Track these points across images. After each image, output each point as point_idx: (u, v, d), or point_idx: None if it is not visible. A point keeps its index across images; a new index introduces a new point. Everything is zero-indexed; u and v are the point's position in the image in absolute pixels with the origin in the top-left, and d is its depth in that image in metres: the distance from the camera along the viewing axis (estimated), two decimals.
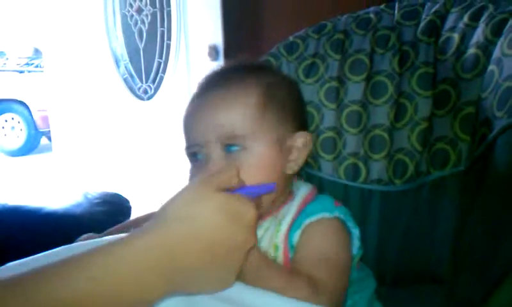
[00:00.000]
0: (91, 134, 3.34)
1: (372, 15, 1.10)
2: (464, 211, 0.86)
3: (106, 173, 3.22)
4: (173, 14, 2.78)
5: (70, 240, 0.92)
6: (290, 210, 0.83)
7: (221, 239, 0.59)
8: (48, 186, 4.61)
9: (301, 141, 0.85)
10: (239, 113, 0.80)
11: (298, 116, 0.89)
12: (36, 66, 7.62)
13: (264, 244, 0.81)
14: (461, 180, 0.89)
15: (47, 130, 6.19)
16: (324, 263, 0.76)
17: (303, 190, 0.87)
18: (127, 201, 1.90)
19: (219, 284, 0.63)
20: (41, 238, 0.96)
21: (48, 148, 6.65)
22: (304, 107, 0.95)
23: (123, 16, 3.00)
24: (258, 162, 0.80)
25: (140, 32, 2.93)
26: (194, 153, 0.83)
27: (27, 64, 7.88)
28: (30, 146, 7.27)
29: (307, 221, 0.80)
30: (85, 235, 1.00)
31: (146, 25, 2.90)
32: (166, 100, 2.89)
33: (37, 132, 7.14)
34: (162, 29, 2.84)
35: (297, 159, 0.85)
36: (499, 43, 0.87)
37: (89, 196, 1.81)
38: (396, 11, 1.08)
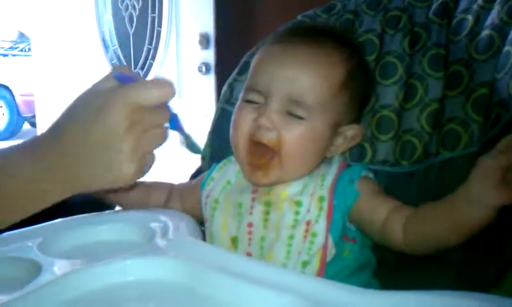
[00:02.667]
0: None
1: None
2: None
3: None
4: (164, 0, 2.74)
5: None
6: (332, 166, 0.85)
7: (97, 121, 0.63)
8: None
9: (352, 132, 0.87)
10: (319, 83, 0.81)
11: (362, 107, 0.92)
12: (21, 50, 7.53)
13: (305, 197, 0.81)
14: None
15: (30, 115, 6.12)
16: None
17: (338, 158, 0.89)
18: None
19: (113, 172, 0.65)
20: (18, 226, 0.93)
21: (30, 133, 6.58)
22: (369, 100, 0.97)
23: (114, 1, 2.95)
24: (309, 137, 0.81)
25: (130, 17, 2.89)
26: (252, 98, 0.84)
27: (11, 48, 7.78)
28: (12, 131, 7.18)
29: (357, 179, 0.83)
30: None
31: (137, 10, 2.86)
32: None
33: (19, 116, 7.05)
34: (153, 15, 2.80)
35: (340, 147, 0.87)
36: None
37: None
38: None
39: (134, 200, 0.96)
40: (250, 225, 0.83)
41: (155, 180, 1.03)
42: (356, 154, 1.00)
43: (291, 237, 0.80)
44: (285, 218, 0.81)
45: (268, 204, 0.83)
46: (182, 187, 1.02)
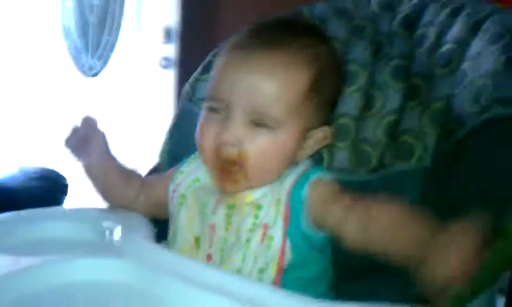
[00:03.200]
0: (31, 108, 3.22)
1: (349, 5, 1.10)
2: (426, 208, 0.85)
3: (43, 150, 3.11)
4: None
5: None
6: (295, 172, 0.82)
7: None
8: None
9: (322, 134, 0.85)
10: (283, 93, 0.78)
11: (332, 107, 0.89)
12: None
13: (267, 201, 0.80)
14: (424, 176, 0.89)
15: None
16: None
17: (305, 163, 0.86)
18: (64, 178, 1.84)
19: None
20: None
21: None
22: (340, 95, 0.94)
23: None
24: (276, 148, 0.79)
25: (91, 6, 2.83)
26: (214, 107, 0.81)
27: None
28: None
29: (313, 176, 0.80)
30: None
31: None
32: (111, 79, 2.81)
33: None
34: (114, 5, 2.75)
35: (309, 149, 0.85)
36: (475, 42, 0.88)
37: (26, 170, 1.74)
38: (373, 2, 1.08)
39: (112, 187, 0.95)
40: (213, 227, 0.82)
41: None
42: (313, 160, 0.99)
43: (248, 241, 0.78)
44: (245, 221, 0.79)
45: (231, 207, 0.81)
46: (149, 181, 0.99)
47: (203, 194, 0.85)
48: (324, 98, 0.83)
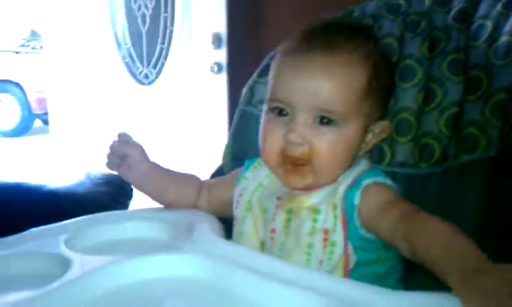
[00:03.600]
0: (90, 117, 3.31)
1: (402, 1, 1.11)
2: (492, 197, 0.86)
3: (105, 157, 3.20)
4: (176, 0, 2.75)
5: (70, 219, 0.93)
6: (349, 176, 0.83)
7: None
8: (46, 167, 4.57)
9: (380, 128, 0.87)
10: (344, 90, 0.81)
11: (387, 103, 0.91)
12: (33, 48, 7.56)
13: (323, 205, 0.81)
14: (490, 166, 0.89)
15: (41, 112, 6.14)
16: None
17: (364, 163, 0.88)
18: (129, 183, 1.88)
19: None
20: (41, 216, 0.96)
21: (41, 131, 6.61)
22: (393, 91, 0.96)
23: (127, 0, 2.97)
24: (343, 144, 0.82)
25: (143, 16, 2.90)
26: (280, 108, 0.84)
27: (23, 45, 7.81)
28: (23, 128, 7.22)
29: (366, 181, 0.81)
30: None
31: (150, 9, 2.87)
32: (166, 86, 2.87)
33: (31, 113, 7.09)
34: (165, 14, 2.81)
35: (370, 143, 0.88)
36: None
37: (92, 176, 1.79)
38: None
39: (165, 190, 0.97)
40: (273, 231, 0.85)
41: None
42: (375, 156, 1.01)
43: (309, 245, 0.80)
44: (303, 225, 0.81)
45: (290, 212, 0.84)
46: (211, 183, 1.03)
47: (265, 199, 0.88)
48: (379, 94, 0.85)
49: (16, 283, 0.72)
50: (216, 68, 2.56)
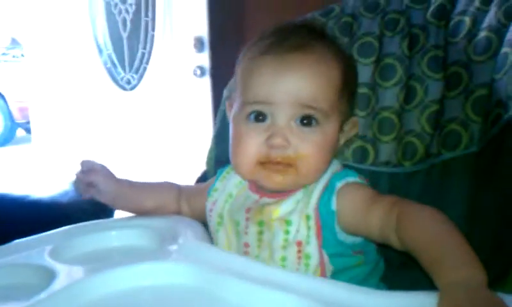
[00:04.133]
0: (73, 125, 3.29)
1: None
2: (476, 193, 0.86)
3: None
4: (158, 4, 2.74)
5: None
6: (320, 182, 0.81)
7: None
8: (29, 177, 4.53)
9: (349, 126, 0.86)
10: (325, 87, 0.79)
11: (354, 99, 0.89)
12: (14, 57, 7.50)
13: (295, 216, 0.79)
14: (473, 162, 0.90)
15: (24, 121, 6.09)
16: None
17: (334, 165, 0.85)
18: None
19: None
20: (26, 226, 0.95)
21: (24, 140, 6.55)
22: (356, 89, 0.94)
23: (107, 5, 2.95)
24: (325, 142, 0.80)
25: (124, 21, 2.89)
26: (258, 112, 0.80)
27: (4, 54, 7.73)
28: (6, 138, 7.15)
29: (338, 184, 0.79)
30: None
31: (131, 14, 2.86)
32: (149, 91, 2.85)
33: (13, 123, 7.03)
34: (146, 19, 2.80)
35: (341, 142, 0.86)
36: None
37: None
38: None
39: (142, 202, 0.97)
40: (246, 245, 0.83)
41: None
42: (358, 156, 1.02)
43: (284, 259, 0.79)
44: (276, 238, 0.79)
45: (261, 224, 0.81)
46: (190, 190, 1.02)
47: (235, 212, 0.85)
48: (350, 92, 0.85)
49: (0, 295, 0.71)
50: (198, 72, 2.55)
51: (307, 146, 0.78)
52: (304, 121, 0.78)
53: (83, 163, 0.95)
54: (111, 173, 0.96)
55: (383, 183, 0.98)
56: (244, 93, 0.82)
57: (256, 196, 0.85)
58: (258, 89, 0.79)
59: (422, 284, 0.61)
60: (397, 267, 0.92)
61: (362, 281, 0.82)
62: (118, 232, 0.90)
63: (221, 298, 0.67)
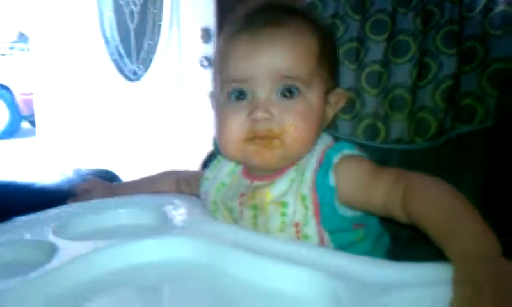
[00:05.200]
0: (78, 116, 3.29)
1: None
2: (491, 168, 0.85)
3: (95, 154, 3.18)
4: None
5: None
6: (312, 157, 0.79)
7: None
8: (33, 169, 4.55)
9: (336, 98, 0.84)
10: (302, 55, 0.77)
11: (337, 71, 0.88)
12: (20, 50, 7.53)
13: (290, 197, 0.77)
14: (489, 136, 0.88)
15: (29, 114, 6.12)
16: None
17: (325, 139, 0.83)
18: (119, 178, 1.87)
19: None
20: (33, 212, 0.94)
21: (29, 133, 6.57)
22: (338, 64, 0.93)
23: None
24: (309, 111, 0.78)
25: (131, 13, 2.89)
26: (239, 89, 0.79)
27: (11, 48, 7.78)
28: (12, 131, 7.18)
29: (334, 159, 0.77)
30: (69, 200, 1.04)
31: (138, 6, 2.86)
32: (155, 82, 2.85)
33: (19, 116, 7.05)
34: (154, 10, 2.79)
35: (329, 116, 0.84)
36: None
37: (81, 172, 1.78)
38: None
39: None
40: None
41: (162, 170, 1.05)
42: (369, 134, 1.00)
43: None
44: (271, 221, 0.78)
45: (255, 208, 0.80)
46: (190, 175, 1.02)
47: (228, 199, 0.84)
48: (331, 63, 0.83)
49: (3, 271, 0.70)
50: (205, 63, 2.54)
51: (291, 116, 0.76)
52: (286, 94, 0.77)
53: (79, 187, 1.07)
54: (105, 182, 1.05)
55: (395, 161, 0.96)
56: (222, 73, 0.81)
57: (248, 181, 0.84)
58: (235, 67, 0.78)
59: (431, 259, 0.59)
60: (405, 242, 0.91)
61: (368, 255, 0.81)
62: (121, 210, 0.89)
63: (227, 272, 0.66)
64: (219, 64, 0.82)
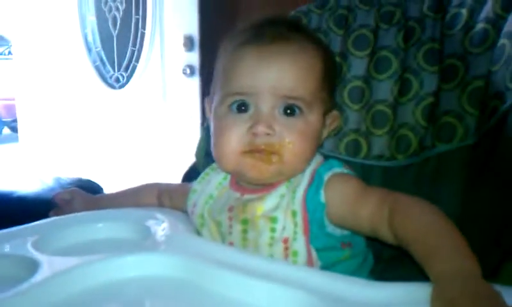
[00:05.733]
0: (61, 123, 3.26)
1: None
2: (471, 187, 0.85)
3: (76, 162, 3.16)
4: (148, 2, 2.72)
5: None
6: (305, 175, 0.80)
7: None
8: (16, 175, 4.50)
9: (331, 119, 0.86)
10: (306, 76, 0.78)
11: (335, 92, 0.90)
12: (1, 54, 7.45)
13: (280, 212, 0.77)
14: (468, 155, 0.89)
15: (10, 119, 6.05)
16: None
17: (316, 157, 0.84)
18: (100, 188, 1.86)
19: None
20: (12, 222, 0.93)
21: (10, 138, 6.49)
22: (337, 83, 0.95)
23: (97, 2, 2.93)
24: (309, 131, 0.79)
25: (114, 19, 2.87)
26: (241, 102, 0.79)
27: None
28: None
29: (325, 176, 0.78)
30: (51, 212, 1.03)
31: (121, 12, 2.84)
32: (138, 89, 2.84)
33: (0, 121, 6.97)
34: (136, 16, 2.78)
35: (323, 135, 0.86)
36: (510, 18, 0.87)
37: (62, 181, 1.77)
38: None
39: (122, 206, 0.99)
40: (231, 244, 0.82)
41: (145, 182, 1.05)
42: (351, 149, 1.01)
43: (270, 256, 0.77)
44: (261, 236, 0.78)
45: (245, 222, 0.80)
46: (172, 188, 1.02)
47: (216, 213, 0.84)
48: (331, 83, 0.84)
49: None
50: (188, 71, 2.54)
51: (291, 133, 0.77)
52: (288, 111, 0.78)
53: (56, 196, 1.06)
54: (86, 193, 1.05)
55: (376, 177, 0.97)
56: (225, 85, 0.81)
57: (237, 194, 0.83)
58: (240, 80, 0.79)
59: (413, 278, 0.60)
60: (386, 261, 0.92)
61: (351, 275, 0.81)
62: (103, 224, 0.88)
63: (209, 290, 0.66)
64: (223, 75, 0.82)
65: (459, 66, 0.92)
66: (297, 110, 0.78)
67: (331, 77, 0.84)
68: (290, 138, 0.77)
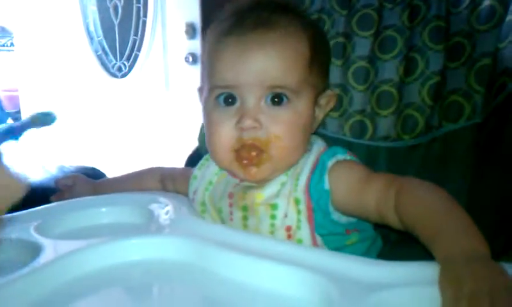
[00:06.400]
0: (63, 113, 3.26)
1: None
2: (478, 166, 0.84)
3: (79, 152, 3.15)
4: None
5: None
6: (307, 163, 0.79)
7: None
8: (19, 165, 4.50)
9: (325, 99, 0.84)
10: (291, 63, 0.77)
11: (328, 72, 0.87)
12: (3, 46, 7.43)
13: (281, 199, 0.77)
14: (475, 135, 0.87)
15: (14, 110, 6.04)
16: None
17: (319, 144, 0.84)
18: (104, 175, 1.86)
19: None
20: (14, 209, 0.92)
21: None
22: (330, 62, 0.93)
23: None
24: (298, 119, 0.78)
25: (115, 8, 2.86)
26: (227, 94, 0.78)
27: None
28: None
29: (329, 163, 0.77)
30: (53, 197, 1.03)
31: (122, 1, 2.83)
32: (140, 78, 2.83)
33: (3, 112, 6.96)
34: (138, 5, 2.77)
35: (319, 118, 0.84)
36: None
37: (65, 169, 1.77)
38: None
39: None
40: None
41: (147, 166, 1.04)
42: (356, 131, 0.99)
43: None
44: (262, 223, 0.78)
45: (245, 209, 0.80)
46: (176, 172, 1.01)
47: (217, 199, 0.84)
48: (321, 63, 0.83)
49: None
50: (190, 59, 2.53)
51: (278, 127, 0.76)
52: (275, 100, 0.76)
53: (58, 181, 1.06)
54: (88, 179, 1.05)
55: (382, 158, 0.96)
56: (210, 77, 0.80)
57: (236, 180, 0.83)
58: (223, 73, 0.78)
59: (420, 259, 0.59)
60: (393, 244, 0.91)
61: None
62: (107, 208, 0.88)
63: (213, 272, 0.65)
64: (208, 67, 0.81)
65: (466, 44, 0.91)
66: (284, 99, 0.77)
67: (321, 58, 0.82)
68: (277, 131, 0.76)
